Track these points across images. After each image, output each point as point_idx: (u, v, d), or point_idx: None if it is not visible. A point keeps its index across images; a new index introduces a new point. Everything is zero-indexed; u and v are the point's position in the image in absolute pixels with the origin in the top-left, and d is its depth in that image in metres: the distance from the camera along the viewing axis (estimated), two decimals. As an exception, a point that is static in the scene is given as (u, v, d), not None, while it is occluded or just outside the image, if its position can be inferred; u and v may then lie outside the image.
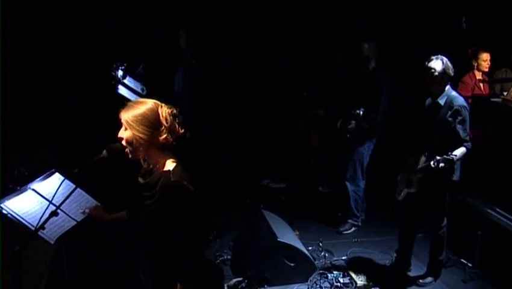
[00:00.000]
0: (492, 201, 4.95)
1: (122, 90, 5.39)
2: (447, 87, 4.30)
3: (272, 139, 7.24)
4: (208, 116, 5.76)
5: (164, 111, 2.50)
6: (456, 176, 4.38)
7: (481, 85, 5.73)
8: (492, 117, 5.03)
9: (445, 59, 4.24)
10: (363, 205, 5.84)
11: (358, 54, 5.48)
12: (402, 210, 4.78)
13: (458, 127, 4.20)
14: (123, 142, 2.50)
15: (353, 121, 5.40)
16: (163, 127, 2.47)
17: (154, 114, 2.47)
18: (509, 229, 4.67)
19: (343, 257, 5.10)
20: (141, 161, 2.61)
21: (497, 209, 4.85)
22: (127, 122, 2.46)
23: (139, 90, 5.67)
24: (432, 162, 4.04)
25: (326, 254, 5.14)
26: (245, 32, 7.16)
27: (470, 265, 4.75)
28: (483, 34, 6.11)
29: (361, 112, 5.18)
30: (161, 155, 2.52)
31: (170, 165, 2.50)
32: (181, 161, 2.56)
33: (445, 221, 4.54)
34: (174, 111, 2.54)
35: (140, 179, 2.66)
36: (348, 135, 5.54)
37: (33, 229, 2.72)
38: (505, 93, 5.05)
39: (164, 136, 2.48)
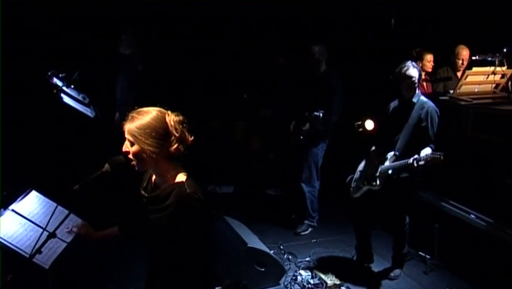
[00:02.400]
0: (445, 194, 5.19)
1: (66, 99, 5.10)
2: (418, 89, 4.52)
3: (213, 143, 7.16)
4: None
5: (172, 119, 2.35)
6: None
7: (424, 84, 5.99)
8: (440, 114, 5.25)
9: (415, 64, 4.45)
10: (317, 206, 5.89)
11: (308, 57, 5.51)
12: (356, 208, 4.88)
13: (429, 127, 4.38)
14: (130, 156, 2.34)
15: (308, 123, 5.43)
16: (173, 138, 2.34)
17: (162, 124, 2.33)
18: (464, 220, 4.93)
19: (307, 259, 5.12)
20: (154, 174, 2.46)
21: (451, 202, 5.09)
22: (133, 136, 2.30)
23: (80, 98, 5.40)
24: (411, 160, 4.16)
25: (290, 257, 5.15)
26: (185, 35, 7.06)
27: (428, 257, 4.95)
28: (425, 34, 6.40)
29: (320, 115, 5.20)
30: (171, 166, 2.39)
31: (181, 176, 2.37)
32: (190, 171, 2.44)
33: (408, 219, 4.69)
34: (182, 118, 2.40)
35: (143, 192, 2.51)
36: (302, 137, 5.56)
37: (27, 255, 2.49)
38: (451, 91, 5.30)
39: (175, 146, 2.35)
